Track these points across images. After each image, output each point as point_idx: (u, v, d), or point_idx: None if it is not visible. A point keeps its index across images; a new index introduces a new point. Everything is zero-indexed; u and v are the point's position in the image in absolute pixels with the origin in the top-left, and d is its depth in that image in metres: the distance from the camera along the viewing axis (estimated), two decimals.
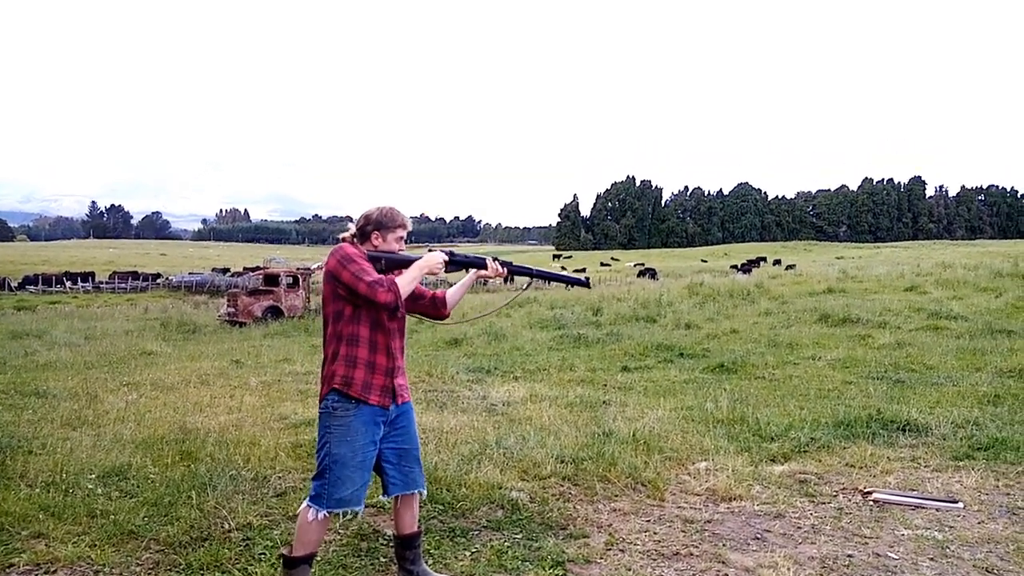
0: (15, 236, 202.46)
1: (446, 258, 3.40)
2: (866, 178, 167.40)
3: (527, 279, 3.68)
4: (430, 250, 3.44)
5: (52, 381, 8.95)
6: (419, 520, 4.25)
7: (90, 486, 4.69)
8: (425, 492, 3.60)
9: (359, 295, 3.09)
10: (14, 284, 46.63)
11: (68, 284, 48.01)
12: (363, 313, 3.19)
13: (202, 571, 3.59)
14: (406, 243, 3.44)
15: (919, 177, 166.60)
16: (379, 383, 3.23)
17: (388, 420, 3.30)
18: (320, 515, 3.16)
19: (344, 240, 3.35)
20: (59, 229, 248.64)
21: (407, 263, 3.28)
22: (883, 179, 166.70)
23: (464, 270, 3.53)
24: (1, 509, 4.17)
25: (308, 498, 3.22)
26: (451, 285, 3.78)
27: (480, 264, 3.50)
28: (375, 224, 3.32)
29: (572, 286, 4.12)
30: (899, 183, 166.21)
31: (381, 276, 3.13)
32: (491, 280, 3.59)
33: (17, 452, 5.41)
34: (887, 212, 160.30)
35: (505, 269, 3.53)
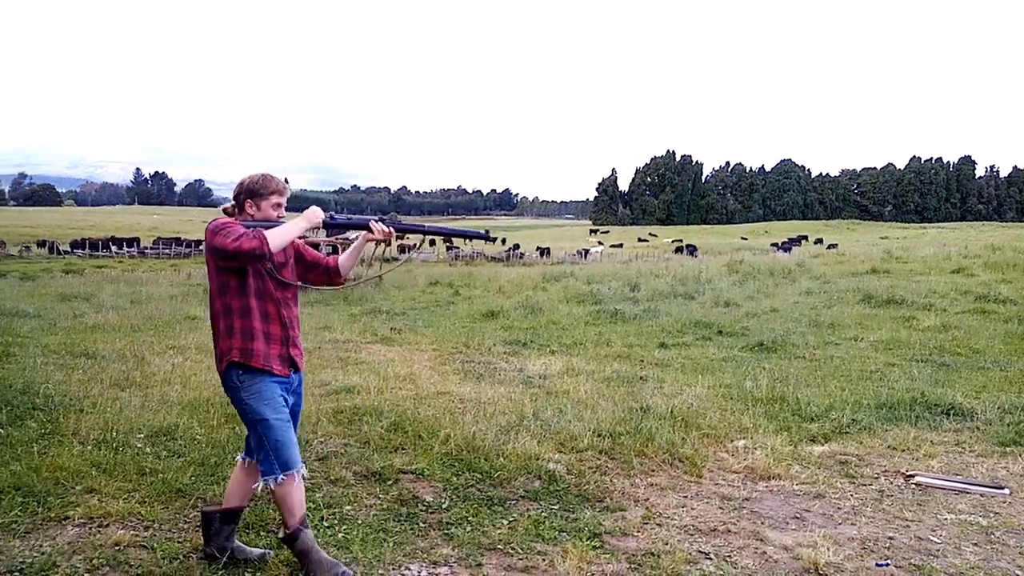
0: (63, 201, 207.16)
1: (324, 216, 3.33)
2: (914, 156, 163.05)
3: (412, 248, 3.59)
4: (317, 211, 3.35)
5: (100, 343, 9.18)
6: (457, 488, 4.31)
7: (139, 445, 4.83)
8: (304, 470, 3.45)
9: (229, 254, 3.00)
10: (62, 248, 47.83)
11: (114, 249, 49.07)
12: (248, 283, 3.15)
13: (247, 531, 3.68)
14: (285, 209, 3.34)
15: (969, 156, 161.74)
16: (276, 352, 3.21)
17: (291, 389, 3.31)
18: (279, 478, 3.13)
19: (225, 211, 3.32)
20: (105, 195, 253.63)
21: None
22: (931, 158, 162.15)
23: (346, 232, 3.48)
24: (56, 464, 4.32)
25: (261, 476, 3.19)
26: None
27: (363, 226, 3.43)
28: (247, 192, 3.26)
29: (472, 240, 4.00)
30: (948, 162, 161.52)
31: (247, 230, 3.04)
32: (385, 243, 3.42)
33: (69, 410, 5.58)
34: (935, 192, 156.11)
35: (392, 229, 3.41)
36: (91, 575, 3.19)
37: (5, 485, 4.03)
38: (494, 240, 4.08)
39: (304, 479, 3.31)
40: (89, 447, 4.73)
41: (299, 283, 3.43)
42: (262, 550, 3.46)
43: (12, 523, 3.64)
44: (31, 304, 14.03)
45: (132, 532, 3.61)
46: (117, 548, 3.43)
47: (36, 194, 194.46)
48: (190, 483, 4.23)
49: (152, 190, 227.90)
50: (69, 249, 48.11)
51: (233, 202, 3.31)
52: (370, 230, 3.40)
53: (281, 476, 3.15)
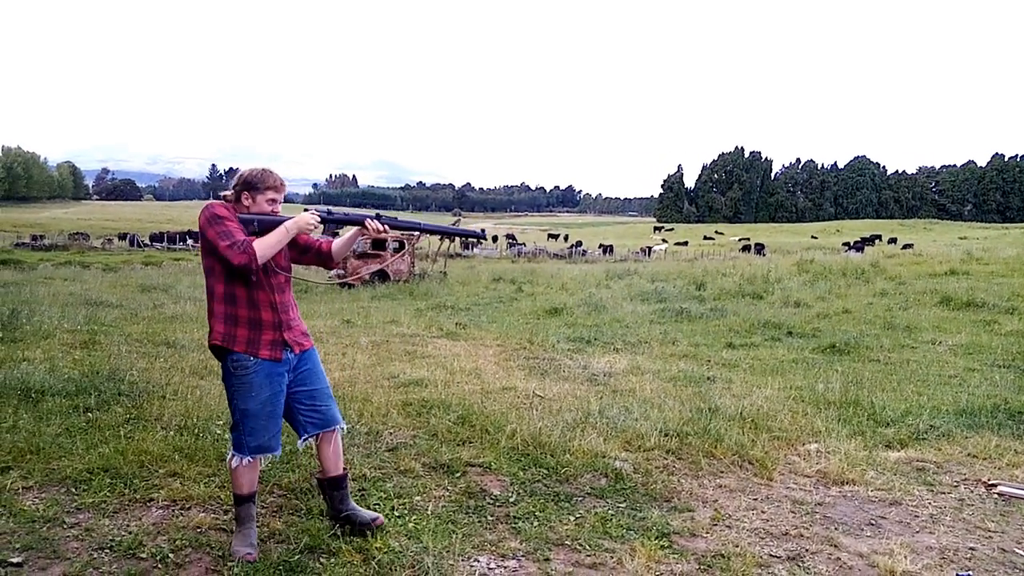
0: (143, 196, 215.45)
1: (317, 220, 3.38)
2: (996, 153, 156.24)
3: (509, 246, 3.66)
4: (310, 210, 3.42)
5: (179, 332, 9.54)
6: (524, 483, 4.34)
7: (218, 431, 5.00)
8: (344, 427, 3.67)
9: (219, 255, 3.14)
10: (142, 240, 49.79)
11: (190, 242, 50.82)
12: (236, 271, 3.21)
13: (321, 516, 3.78)
14: (281, 205, 3.41)
15: None
16: (267, 338, 3.31)
17: (290, 368, 3.39)
18: (244, 461, 3.34)
19: (225, 198, 3.38)
20: (182, 190, 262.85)
21: (280, 224, 3.27)
22: (1016, 155, 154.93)
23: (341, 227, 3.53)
24: (141, 448, 4.51)
25: (230, 447, 3.40)
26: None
27: (359, 222, 3.48)
28: (244, 184, 3.33)
29: (467, 239, 3.99)
30: None
31: (241, 239, 3.13)
32: (380, 240, 3.55)
33: (153, 397, 5.82)
34: (1019, 191, 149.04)
35: (386, 227, 3.46)
36: (175, 555, 3.32)
37: (95, 466, 4.23)
38: (485, 239, 4.14)
39: (271, 462, 3.64)
40: (171, 432, 4.92)
41: (290, 273, 3.51)
42: (374, 513, 3.68)
43: (101, 503, 3.83)
44: (114, 294, 14.66)
45: (212, 515, 3.75)
46: (198, 530, 3.57)
47: (118, 189, 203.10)
48: (267, 470, 4.35)
49: (226, 185, 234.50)
50: (148, 242, 50.08)
51: (232, 191, 3.39)
52: (364, 227, 3.47)
53: (248, 459, 3.36)
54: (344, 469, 3.66)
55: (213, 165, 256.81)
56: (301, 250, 3.53)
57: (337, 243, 3.57)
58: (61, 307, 11.44)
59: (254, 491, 3.49)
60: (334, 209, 3.56)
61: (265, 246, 3.18)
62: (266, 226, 3.26)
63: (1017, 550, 3.79)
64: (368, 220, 3.46)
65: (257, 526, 3.65)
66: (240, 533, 3.41)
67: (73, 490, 3.97)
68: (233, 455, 3.37)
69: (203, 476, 4.24)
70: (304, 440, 3.56)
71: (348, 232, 3.58)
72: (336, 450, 3.60)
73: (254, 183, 3.33)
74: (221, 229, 3.14)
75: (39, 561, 3.22)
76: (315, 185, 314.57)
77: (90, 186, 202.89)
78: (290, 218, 3.32)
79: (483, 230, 4.03)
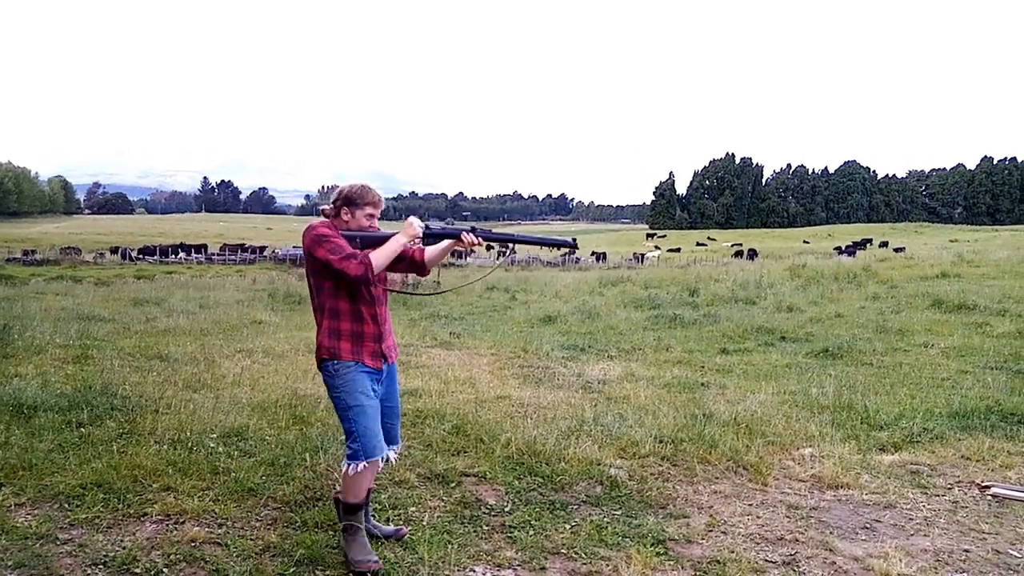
0: (134, 209, 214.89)
1: (423, 230, 3.49)
2: (985, 156, 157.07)
3: (500, 256, 3.72)
4: (419, 218, 3.53)
5: (172, 346, 9.50)
6: (519, 492, 4.35)
7: (212, 445, 4.98)
8: (399, 449, 3.74)
9: (332, 270, 3.25)
10: (134, 254, 49.62)
11: (182, 255, 50.69)
12: (341, 286, 3.34)
13: (316, 529, 3.77)
14: (378, 220, 3.51)
15: None
16: (369, 350, 3.42)
17: (381, 379, 3.49)
18: (360, 467, 3.37)
19: (323, 213, 3.48)
20: (174, 203, 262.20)
21: (382, 240, 3.38)
22: (1005, 158, 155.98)
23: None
24: (134, 463, 4.49)
25: (346, 458, 3.41)
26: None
27: (455, 235, 3.57)
28: (344, 200, 3.43)
29: (559, 248, 4.09)
30: (1023, 162, 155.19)
31: (355, 251, 3.26)
32: (470, 252, 3.67)
33: (145, 411, 5.79)
34: (1008, 193, 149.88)
35: (480, 239, 3.57)
36: (169, 570, 3.31)
37: (87, 481, 4.21)
38: (577, 247, 4.17)
39: (392, 463, 3.62)
40: (165, 446, 4.90)
41: (387, 285, 3.61)
42: (396, 527, 3.75)
43: (95, 518, 3.81)
44: (106, 308, 14.59)
45: (207, 529, 3.74)
46: (193, 544, 3.56)
47: (109, 203, 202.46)
48: (261, 482, 4.36)
49: (219, 198, 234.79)
50: (140, 255, 49.88)
51: (331, 206, 3.47)
52: (460, 240, 3.57)
53: (364, 464, 3.37)
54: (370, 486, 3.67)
55: (205, 178, 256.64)
56: (396, 258, 3.55)
57: (430, 251, 3.65)
58: (53, 322, 11.39)
59: (365, 499, 3.53)
60: (432, 224, 3.62)
61: (380, 257, 3.32)
62: (367, 242, 3.37)
63: (1011, 551, 3.80)
64: (464, 233, 3.58)
65: (251, 539, 3.64)
66: (355, 543, 3.41)
67: (66, 506, 3.95)
68: (350, 464, 3.39)
69: (197, 490, 4.22)
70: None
71: (441, 245, 3.64)
72: (377, 469, 3.63)
73: (354, 199, 3.43)
74: (331, 246, 3.27)
75: None
76: (307, 196, 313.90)
77: (81, 200, 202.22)
78: (392, 234, 3.42)
79: (574, 239, 4.06)
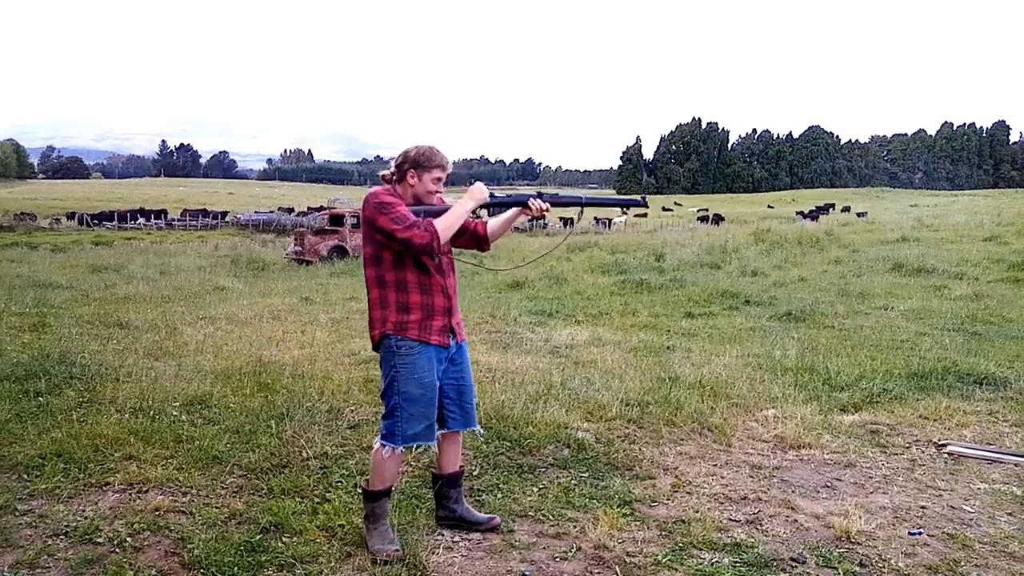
0: (91, 174, 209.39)
1: (488, 193, 3.31)
2: (945, 122, 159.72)
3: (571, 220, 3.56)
4: (471, 181, 3.31)
5: (133, 313, 9.34)
6: (488, 456, 4.36)
7: (175, 413, 4.92)
8: (480, 430, 3.60)
9: (397, 240, 3.04)
10: (90, 219, 48.48)
11: (141, 221, 49.65)
12: (407, 257, 3.14)
13: (283, 496, 3.74)
14: (444, 185, 3.31)
15: (1003, 122, 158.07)
16: (439, 324, 3.21)
17: (449, 356, 3.31)
18: (395, 451, 3.20)
19: (384, 178, 3.30)
20: (131, 167, 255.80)
21: (443, 211, 3.19)
22: (964, 124, 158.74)
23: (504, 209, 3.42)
24: (95, 432, 4.41)
25: (380, 436, 3.24)
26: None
27: (522, 203, 3.37)
28: (412, 163, 3.20)
29: (629, 208, 3.94)
30: (981, 128, 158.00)
31: (418, 219, 3.04)
32: (540, 218, 3.43)
33: (106, 379, 5.69)
34: (967, 159, 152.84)
35: (548, 204, 3.35)
36: (133, 539, 3.26)
37: (47, 452, 4.13)
38: (648, 206, 4.01)
39: (431, 450, 3.44)
40: (126, 415, 4.83)
41: (451, 255, 3.38)
42: (490, 515, 3.57)
43: (55, 488, 3.74)
44: (63, 275, 14.28)
45: (171, 498, 3.69)
46: (157, 513, 3.51)
47: (64, 167, 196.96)
48: (225, 450, 4.31)
49: (178, 162, 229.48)
50: (98, 221, 48.74)
51: (394, 169, 3.27)
52: (527, 207, 3.36)
53: (401, 448, 3.20)
54: (460, 467, 3.54)
55: (164, 141, 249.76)
56: (457, 232, 3.28)
57: (493, 223, 3.45)
58: (8, 289, 11.12)
59: (393, 485, 3.38)
60: (496, 192, 3.43)
61: (446, 225, 3.11)
62: (431, 215, 3.15)
63: (965, 507, 3.91)
64: (531, 200, 3.34)
65: (216, 507, 3.60)
66: (377, 530, 3.25)
67: (25, 476, 3.88)
68: (383, 445, 3.20)
69: (160, 458, 4.17)
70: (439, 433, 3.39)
71: (505, 215, 3.45)
72: (458, 450, 3.51)
73: (422, 162, 3.20)
74: (394, 215, 3.04)
75: None
76: (270, 160, 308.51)
77: (35, 164, 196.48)
78: (450, 207, 3.21)
79: (644, 197, 3.88)
